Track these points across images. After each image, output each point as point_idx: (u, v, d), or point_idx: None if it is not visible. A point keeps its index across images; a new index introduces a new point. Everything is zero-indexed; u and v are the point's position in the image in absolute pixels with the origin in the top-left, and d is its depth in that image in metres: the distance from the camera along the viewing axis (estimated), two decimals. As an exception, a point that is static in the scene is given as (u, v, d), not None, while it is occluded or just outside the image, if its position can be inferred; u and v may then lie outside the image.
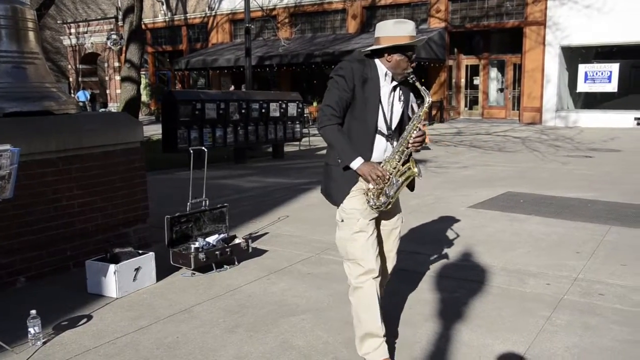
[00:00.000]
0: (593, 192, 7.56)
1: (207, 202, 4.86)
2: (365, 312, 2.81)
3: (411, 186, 2.96)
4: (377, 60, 2.83)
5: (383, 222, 3.01)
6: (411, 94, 2.97)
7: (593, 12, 18.33)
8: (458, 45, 22.18)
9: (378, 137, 2.85)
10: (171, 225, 4.50)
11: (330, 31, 24.10)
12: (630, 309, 3.64)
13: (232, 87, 22.92)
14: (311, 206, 6.94)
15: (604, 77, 18.80)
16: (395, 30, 2.74)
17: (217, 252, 4.47)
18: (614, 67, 18.66)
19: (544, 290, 3.98)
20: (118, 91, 25.51)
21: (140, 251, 4.31)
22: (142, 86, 16.74)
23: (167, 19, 29.00)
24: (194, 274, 4.38)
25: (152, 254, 4.25)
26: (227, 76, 26.84)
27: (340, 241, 2.90)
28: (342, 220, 2.86)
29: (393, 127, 2.89)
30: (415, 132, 2.78)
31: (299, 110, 12.62)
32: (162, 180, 8.97)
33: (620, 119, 18.28)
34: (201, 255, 4.34)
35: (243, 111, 11.17)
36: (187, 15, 28.19)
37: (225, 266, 4.56)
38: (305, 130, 13.66)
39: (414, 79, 2.83)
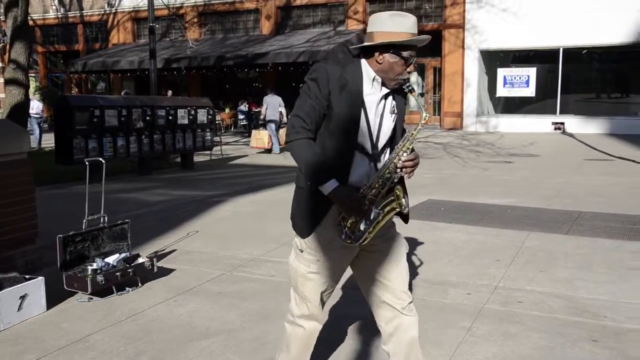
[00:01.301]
0: (513, 197, 7.97)
1: (106, 218, 4.70)
2: (297, 349, 2.69)
3: (405, 217, 2.56)
4: (364, 62, 2.49)
5: (374, 249, 2.59)
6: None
7: (509, 17, 19.39)
8: (377, 48, 22.74)
9: (360, 156, 2.48)
10: (64, 246, 4.32)
11: (243, 32, 24.05)
12: (548, 315, 3.86)
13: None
14: (223, 220, 6.87)
15: (522, 81, 19.92)
16: (390, 24, 2.41)
17: (117, 274, 4.33)
18: (532, 72, 19.82)
19: (465, 301, 4.15)
20: (2, 95, 24.19)
21: (27, 276, 4.10)
22: (31, 90, 15.92)
23: (59, 15, 27.88)
24: (92, 298, 4.22)
25: (41, 278, 4.05)
26: (130, 80, 26.14)
27: (292, 270, 2.63)
28: (302, 251, 2.56)
29: (380, 146, 2.53)
30: (405, 154, 2.44)
31: (210, 117, 12.50)
32: (56, 196, 8.59)
33: (538, 124, 19.43)
34: (99, 278, 4.19)
35: (148, 118, 10.92)
36: (84, 12, 27.23)
37: (127, 288, 4.42)
38: (216, 139, 13.53)
39: (410, 88, 2.49)
